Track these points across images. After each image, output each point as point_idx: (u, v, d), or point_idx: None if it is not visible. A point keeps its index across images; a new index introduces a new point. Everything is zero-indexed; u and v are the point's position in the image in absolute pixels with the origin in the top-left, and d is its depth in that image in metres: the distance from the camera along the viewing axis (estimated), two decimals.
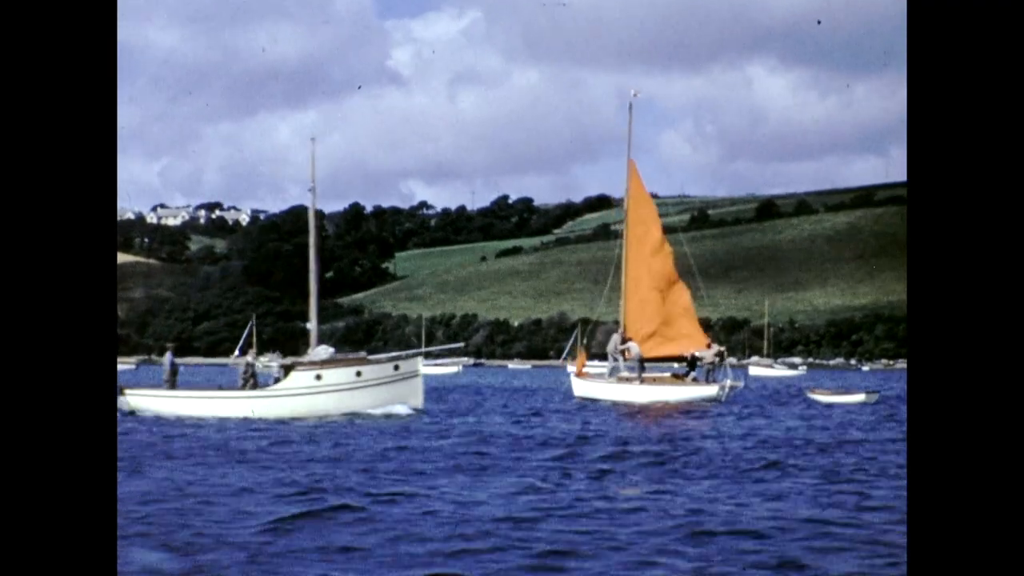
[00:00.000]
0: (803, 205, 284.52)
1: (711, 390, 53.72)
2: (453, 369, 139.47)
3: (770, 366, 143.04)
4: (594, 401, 52.95)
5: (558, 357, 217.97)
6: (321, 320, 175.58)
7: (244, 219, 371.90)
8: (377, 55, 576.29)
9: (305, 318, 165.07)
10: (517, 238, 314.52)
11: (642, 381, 54.91)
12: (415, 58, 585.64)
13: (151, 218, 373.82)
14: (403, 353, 45.07)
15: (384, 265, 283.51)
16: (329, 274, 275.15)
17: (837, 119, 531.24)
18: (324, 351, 42.25)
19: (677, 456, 26.60)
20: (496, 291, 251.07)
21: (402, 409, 40.54)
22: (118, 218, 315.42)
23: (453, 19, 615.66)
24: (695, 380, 55.67)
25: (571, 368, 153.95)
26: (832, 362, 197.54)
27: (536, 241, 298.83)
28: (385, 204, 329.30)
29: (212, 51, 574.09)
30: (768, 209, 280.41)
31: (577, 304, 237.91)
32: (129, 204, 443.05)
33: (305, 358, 42.54)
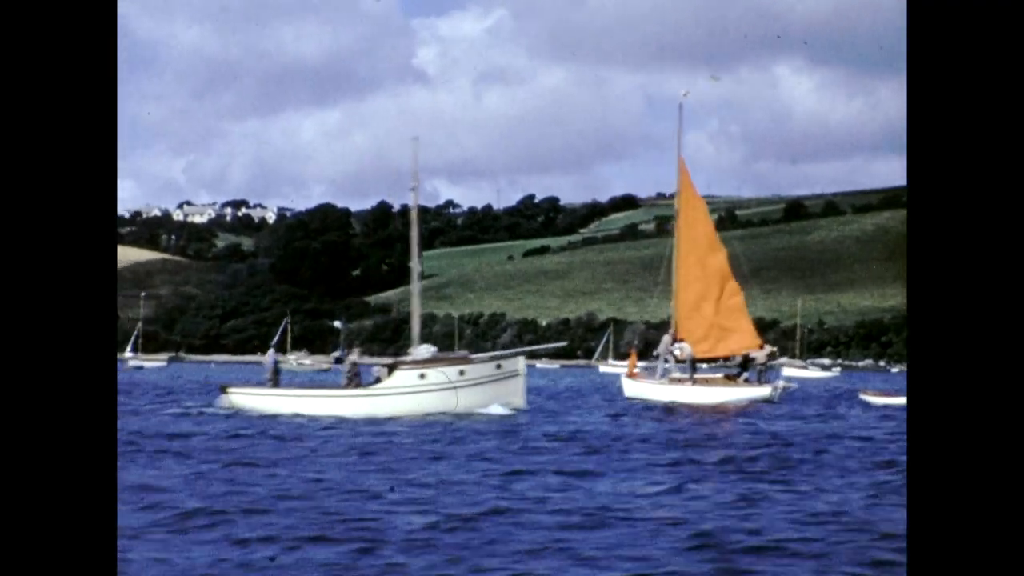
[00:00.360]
0: (831, 206, 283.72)
1: (764, 391, 53.33)
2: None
3: (804, 367, 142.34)
4: (645, 402, 52.51)
5: (587, 357, 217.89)
6: (348, 318, 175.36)
7: (270, 217, 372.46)
8: (403, 53, 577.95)
9: (332, 316, 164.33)
10: (543, 237, 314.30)
11: (695, 382, 54.57)
12: (440, 56, 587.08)
13: (177, 215, 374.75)
14: (505, 352, 44.95)
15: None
16: (356, 272, 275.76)
17: (863, 119, 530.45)
18: (426, 350, 42.21)
19: (806, 456, 26.43)
20: (524, 290, 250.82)
21: (501, 409, 40.20)
22: (143, 215, 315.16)
23: (479, 18, 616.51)
24: (747, 381, 55.28)
25: (604, 368, 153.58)
26: (861, 363, 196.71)
27: (563, 240, 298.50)
28: (408, 203, 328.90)
29: (238, 48, 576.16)
30: (796, 210, 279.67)
31: (605, 304, 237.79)
32: (156, 201, 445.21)
33: (407, 357, 42.41)
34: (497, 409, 39.89)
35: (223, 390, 41.81)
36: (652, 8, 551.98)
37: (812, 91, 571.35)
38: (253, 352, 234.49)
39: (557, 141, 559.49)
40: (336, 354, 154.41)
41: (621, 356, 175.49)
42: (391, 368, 41.14)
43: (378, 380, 40.84)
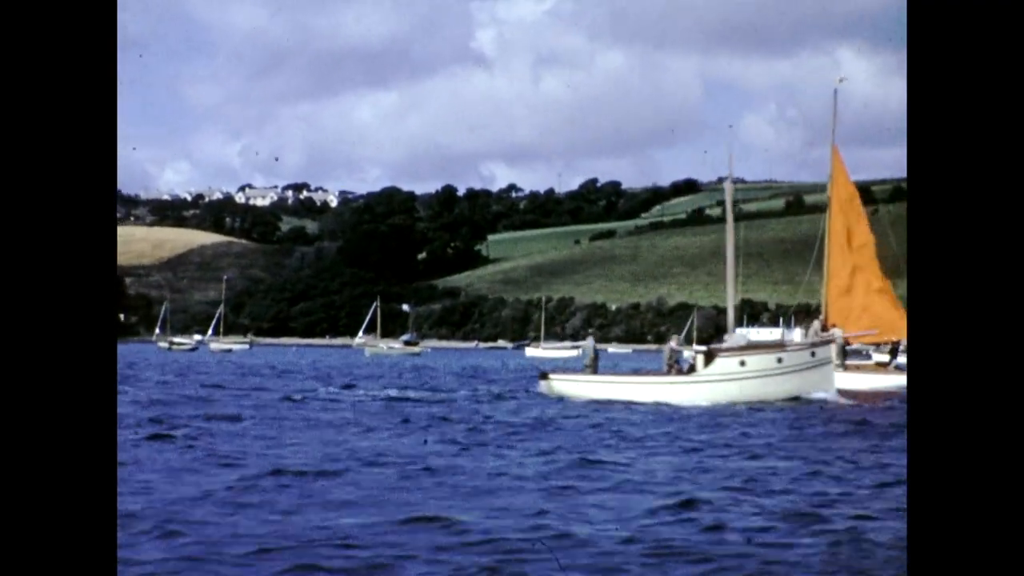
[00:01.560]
0: (899, 191, 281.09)
1: None
2: (574, 353, 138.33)
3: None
4: None
5: (657, 341, 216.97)
6: (417, 302, 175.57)
7: (331, 200, 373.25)
8: (461, 36, 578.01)
9: (401, 300, 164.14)
10: (605, 222, 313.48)
11: (845, 369, 53.59)
12: (498, 39, 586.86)
13: (239, 198, 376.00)
14: (819, 340, 44.50)
15: (477, 247, 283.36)
16: (422, 255, 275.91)
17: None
18: (742, 337, 42.06)
19: None
20: (592, 275, 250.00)
21: (817, 395, 40.10)
22: (205, 199, 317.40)
23: (538, 0, 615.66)
24: (898, 368, 54.31)
25: (688, 353, 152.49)
26: None
27: (630, 225, 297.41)
28: (462, 186, 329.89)
29: (294, 30, 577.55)
30: (865, 195, 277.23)
31: (674, 288, 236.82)
32: (210, 184, 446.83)
33: (724, 344, 42.00)
34: (815, 395, 39.86)
35: (543, 376, 41.86)
36: None
37: (873, 75, 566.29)
38: (322, 335, 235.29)
39: (614, 125, 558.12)
40: (405, 337, 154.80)
41: (703, 341, 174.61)
42: (708, 355, 40.75)
43: (692, 367, 40.64)
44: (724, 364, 39.86)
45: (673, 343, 42.15)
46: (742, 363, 39.79)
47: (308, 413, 31.97)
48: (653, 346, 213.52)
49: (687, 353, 42.23)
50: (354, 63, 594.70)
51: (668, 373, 41.11)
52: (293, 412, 32.33)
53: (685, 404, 37.78)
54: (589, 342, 44.47)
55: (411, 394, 42.65)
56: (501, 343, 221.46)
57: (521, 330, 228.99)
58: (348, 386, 48.30)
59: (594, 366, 43.14)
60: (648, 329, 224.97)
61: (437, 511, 14.51)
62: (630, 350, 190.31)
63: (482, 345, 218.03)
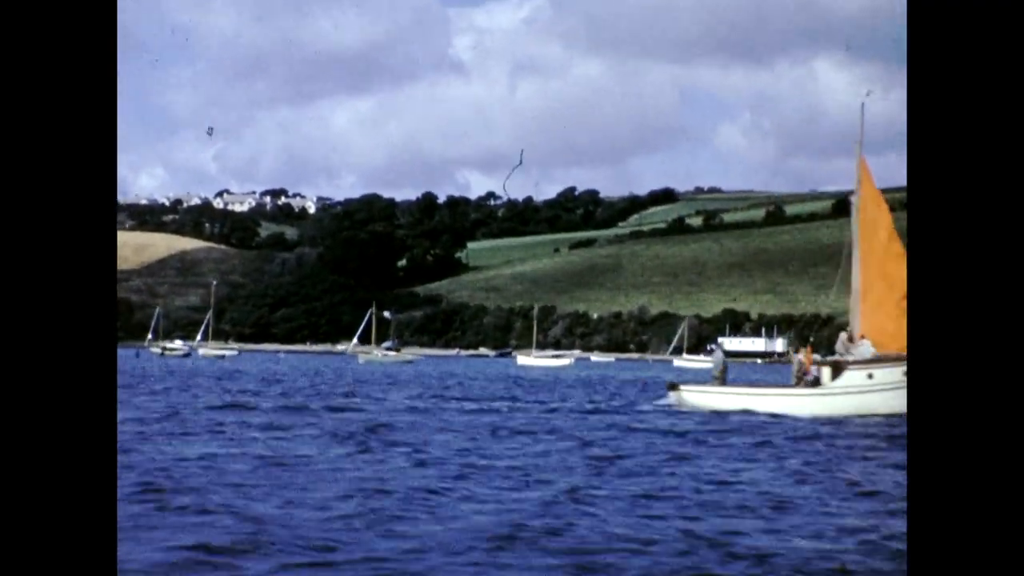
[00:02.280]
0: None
1: None
2: (566, 361, 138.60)
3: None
4: None
5: (639, 350, 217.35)
6: (398, 309, 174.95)
7: (310, 206, 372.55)
8: (439, 43, 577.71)
9: (381, 307, 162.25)
10: (583, 230, 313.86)
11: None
12: (476, 46, 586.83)
13: (217, 203, 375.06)
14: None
15: (457, 255, 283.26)
16: (402, 262, 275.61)
17: (899, 115, 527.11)
18: (867, 350, 42.15)
19: None
20: (573, 283, 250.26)
21: None
22: (184, 204, 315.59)
23: (516, 7, 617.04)
24: None
25: (679, 362, 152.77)
26: None
27: (609, 233, 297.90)
28: (439, 194, 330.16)
29: (273, 36, 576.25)
30: (843, 206, 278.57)
31: (655, 298, 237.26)
32: (185, 189, 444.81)
33: (850, 356, 42.07)
34: None
35: (672, 387, 42.52)
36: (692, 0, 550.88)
37: (848, 85, 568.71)
38: (303, 341, 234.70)
39: (591, 133, 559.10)
40: (386, 344, 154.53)
41: (690, 350, 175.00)
42: (834, 367, 41.10)
43: (817, 380, 40.99)
44: (853, 377, 40.29)
45: (801, 356, 42.63)
46: (870, 376, 40.24)
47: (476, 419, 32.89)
48: (635, 355, 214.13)
49: (813, 367, 42.60)
50: (332, 70, 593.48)
51: (796, 385, 41.61)
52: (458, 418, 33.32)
53: (809, 416, 38.12)
54: (719, 354, 45.16)
55: (499, 405, 43.00)
56: (483, 351, 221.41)
57: (503, 338, 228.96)
58: (437, 396, 49.17)
59: (723, 377, 43.70)
60: (631, 338, 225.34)
61: None
62: (612, 359, 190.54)
63: (463, 353, 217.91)
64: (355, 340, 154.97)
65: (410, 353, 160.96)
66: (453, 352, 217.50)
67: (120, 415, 28.27)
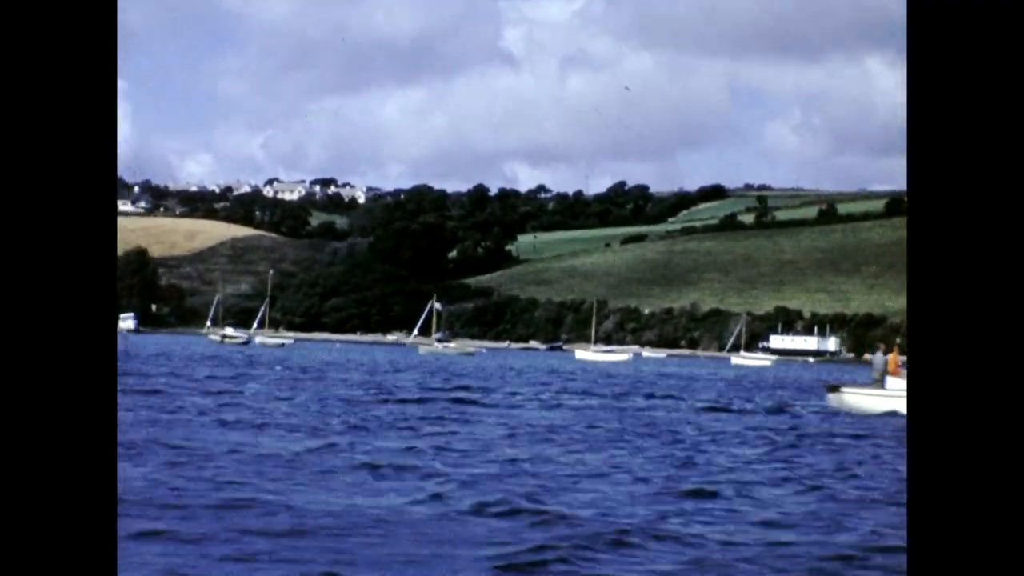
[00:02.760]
0: None
1: None
2: (625, 357, 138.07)
3: None
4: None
5: (690, 347, 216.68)
6: (449, 300, 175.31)
7: (359, 196, 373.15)
8: (489, 34, 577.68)
9: (431, 298, 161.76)
10: (633, 225, 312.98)
11: None
12: (527, 38, 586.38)
13: (267, 192, 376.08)
14: None
15: (507, 247, 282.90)
16: (453, 254, 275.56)
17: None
18: None
19: None
20: (625, 278, 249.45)
21: None
22: (234, 191, 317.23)
23: (567, 0, 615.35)
24: None
25: (736, 360, 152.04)
26: None
27: (660, 229, 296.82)
28: (489, 185, 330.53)
29: (324, 25, 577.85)
30: (897, 205, 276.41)
31: (707, 294, 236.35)
32: (232, 176, 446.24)
33: None
34: None
35: (832, 389, 43.37)
36: None
37: (899, 84, 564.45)
38: (352, 331, 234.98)
39: (640, 127, 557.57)
40: (437, 335, 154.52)
41: (742, 347, 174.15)
42: None
43: None
44: None
45: (885, 356, 43.36)
46: None
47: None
48: (686, 351, 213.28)
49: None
50: (382, 59, 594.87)
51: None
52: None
53: None
54: (879, 356, 45.20)
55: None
56: (533, 344, 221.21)
57: (554, 331, 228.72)
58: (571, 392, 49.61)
59: (883, 380, 43.80)
60: (682, 334, 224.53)
61: None
62: (664, 355, 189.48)
63: (514, 346, 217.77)
64: (416, 332, 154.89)
65: (468, 345, 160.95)
66: (504, 345, 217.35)
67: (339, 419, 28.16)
